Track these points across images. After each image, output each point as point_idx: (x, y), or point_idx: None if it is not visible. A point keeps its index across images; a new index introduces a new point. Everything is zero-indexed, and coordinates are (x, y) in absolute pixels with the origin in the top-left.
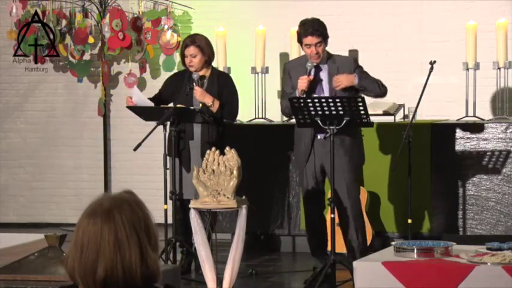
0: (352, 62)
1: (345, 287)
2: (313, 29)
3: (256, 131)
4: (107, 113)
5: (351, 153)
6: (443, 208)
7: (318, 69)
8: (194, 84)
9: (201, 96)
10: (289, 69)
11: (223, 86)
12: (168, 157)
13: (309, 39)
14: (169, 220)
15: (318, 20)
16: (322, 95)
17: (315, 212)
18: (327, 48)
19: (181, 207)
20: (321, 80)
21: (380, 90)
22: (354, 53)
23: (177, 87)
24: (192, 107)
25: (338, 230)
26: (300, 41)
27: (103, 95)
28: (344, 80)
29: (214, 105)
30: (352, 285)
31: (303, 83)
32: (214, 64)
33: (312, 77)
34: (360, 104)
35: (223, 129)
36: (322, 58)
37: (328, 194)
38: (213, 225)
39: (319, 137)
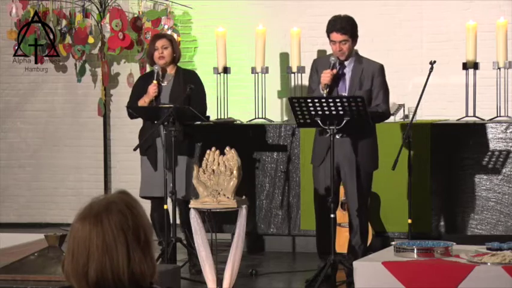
0: (377, 69)
1: (345, 287)
2: (340, 26)
3: (256, 131)
4: (107, 113)
5: (366, 157)
6: (443, 208)
7: (342, 66)
8: (155, 77)
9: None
10: (317, 65)
11: (191, 84)
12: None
13: (334, 36)
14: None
15: (349, 18)
16: (340, 94)
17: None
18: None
19: (160, 205)
20: (344, 77)
21: (372, 121)
22: None
23: (145, 88)
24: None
25: (339, 230)
26: (328, 36)
27: (103, 95)
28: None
29: None
30: (351, 285)
31: (326, 76)
32: (214, 64)
33: (335, 71)
34: (360, 104)
35: (185, 128)
36: (348, 56)
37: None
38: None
39: (337, 136)
